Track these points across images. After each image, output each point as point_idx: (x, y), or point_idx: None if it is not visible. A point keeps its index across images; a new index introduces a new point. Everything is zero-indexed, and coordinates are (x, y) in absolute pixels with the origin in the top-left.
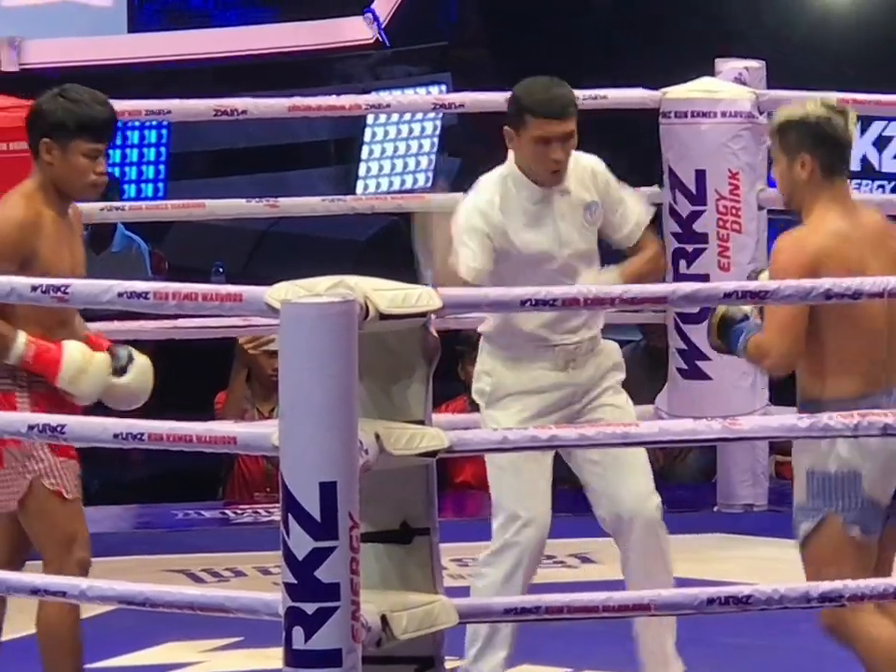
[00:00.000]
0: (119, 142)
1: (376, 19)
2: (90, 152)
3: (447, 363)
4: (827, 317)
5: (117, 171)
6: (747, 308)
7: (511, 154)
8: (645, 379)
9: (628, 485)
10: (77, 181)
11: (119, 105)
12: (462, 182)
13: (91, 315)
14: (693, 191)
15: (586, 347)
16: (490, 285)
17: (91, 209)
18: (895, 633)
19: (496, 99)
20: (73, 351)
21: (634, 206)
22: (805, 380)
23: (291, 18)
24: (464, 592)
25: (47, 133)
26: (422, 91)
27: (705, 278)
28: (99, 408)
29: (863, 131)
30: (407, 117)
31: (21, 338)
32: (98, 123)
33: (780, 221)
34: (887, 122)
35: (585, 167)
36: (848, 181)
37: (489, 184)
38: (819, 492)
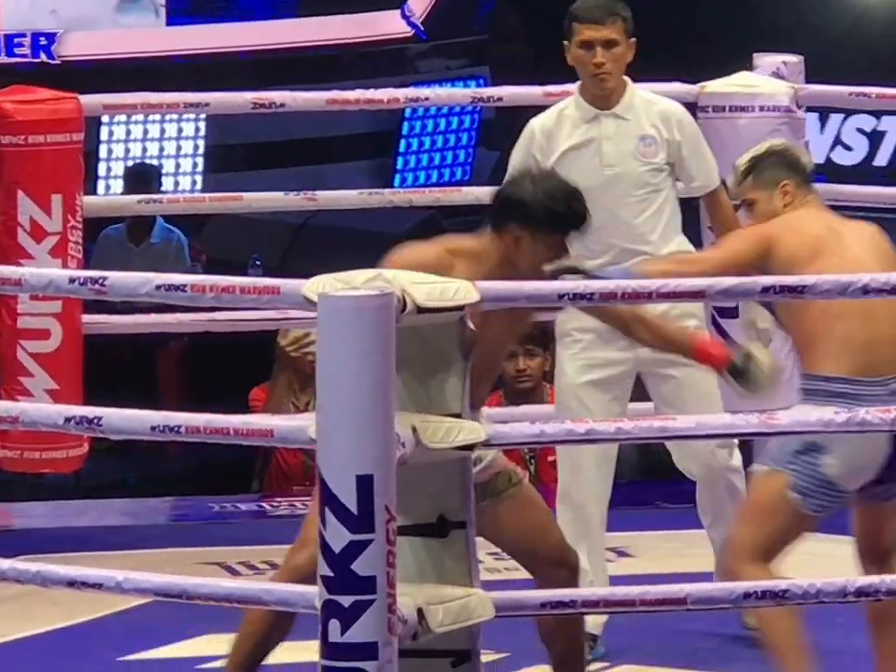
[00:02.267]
0: (157, 134)
1: (409, 16)
2: (559, 244)
3: None
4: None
5: (155, 163)
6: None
7: None
8: None
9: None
10: (536, 271)
11: (158, 97)
12: (501, 176)
13: (127, 308)
14: (730, 186)
15: None
16: None
17: (130, 201)
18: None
19: (534, 93)
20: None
21: (710, 165)
22: (799, 353)
23: (312, 4)
24: (500, 585)
25: (520, 223)
26: (460, 84)
27: None
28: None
29: None
30: (445, 110)
31: None
32: (575, 219)
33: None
34: None
35: (661, 108)
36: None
37: (555, 106)
38: (783, 449)
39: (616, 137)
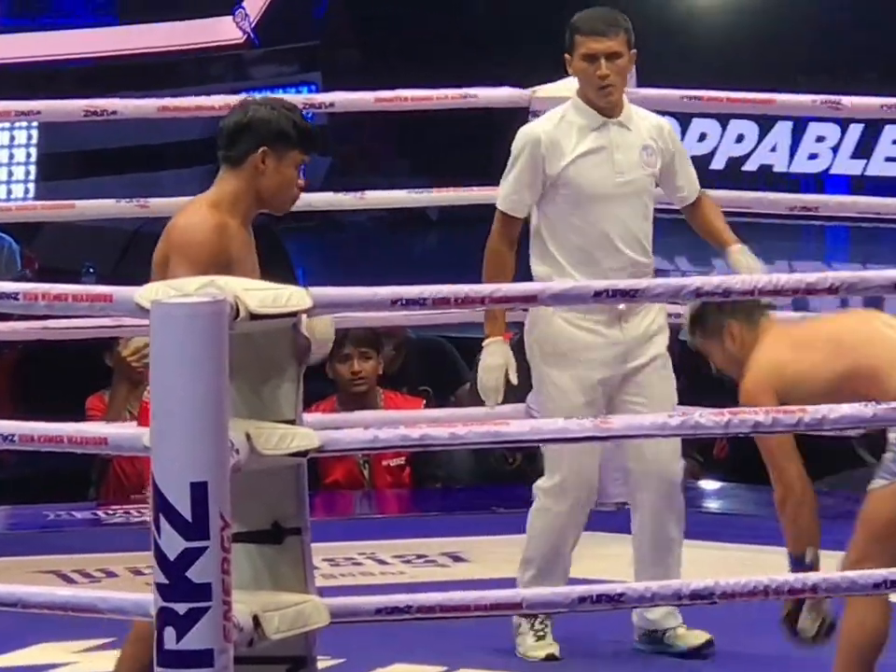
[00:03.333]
0: None
1: (246, 17)
2: (300, 164)
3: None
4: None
5: None
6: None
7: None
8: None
9: (655, 445)
10: (285, 193)
11: None
12: (334, 181)
13: None
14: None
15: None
16: (541, 224)
17: None
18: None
19: (365, 99)
20: None
21: (692, 173)
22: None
23: (133, 7)
24: (336, 591)
25: (266, 142)
26: (292, 90)
27: None
28: None
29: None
30: None
31: None
32: (315, 136)
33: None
34: None
35: (653, 120)
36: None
37: (551, 112)
38: None
39: (624, 146)
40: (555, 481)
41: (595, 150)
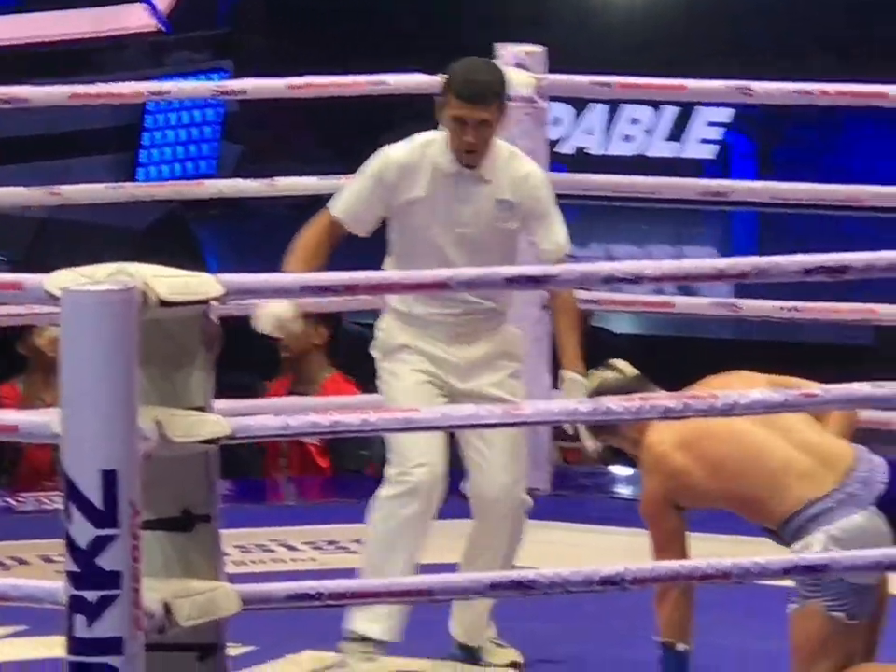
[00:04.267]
0: None
1: (154, 8)
2: None
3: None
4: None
5: None
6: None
7: None
8: None
9: (501, 471)
10: None
11: None
12: (245, 169)
13: None
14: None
15: (476, 326)
16: (390, 246)
17: None
18: None
19: (277, 86)
20: None
21: (558, 230)
22: (756, 520)
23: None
24: (247, 578)
25: None
26: (203, 77)
27: None
28: None
29: None
30: (188, 103)
31: None
32: None
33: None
34: None
35: (521, 169)
36: None
37: (418, 139)
38: (803, 582)
39: (474, 198)
40: (404, 483)
41: (441, 197)
